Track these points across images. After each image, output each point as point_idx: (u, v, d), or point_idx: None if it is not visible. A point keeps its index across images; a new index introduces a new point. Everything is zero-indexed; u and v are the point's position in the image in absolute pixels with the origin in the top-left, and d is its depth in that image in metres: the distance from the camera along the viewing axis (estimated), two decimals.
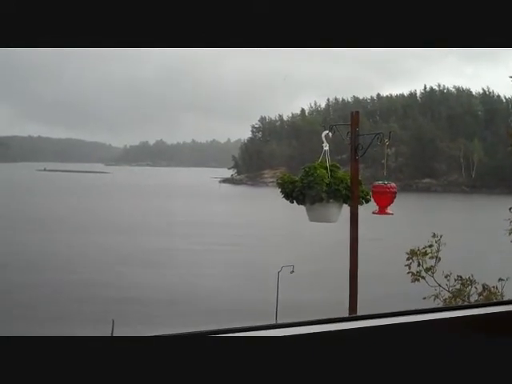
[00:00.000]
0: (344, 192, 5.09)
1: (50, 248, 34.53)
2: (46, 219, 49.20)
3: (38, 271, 27.78)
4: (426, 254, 11.75)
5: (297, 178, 5.24)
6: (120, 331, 14.63)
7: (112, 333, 14.13)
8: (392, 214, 5.04)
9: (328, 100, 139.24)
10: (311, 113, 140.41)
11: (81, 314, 20.27)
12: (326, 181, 5.03)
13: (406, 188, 77.37)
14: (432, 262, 11.92)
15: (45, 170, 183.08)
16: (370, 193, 5.18)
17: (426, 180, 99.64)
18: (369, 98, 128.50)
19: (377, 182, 5.06)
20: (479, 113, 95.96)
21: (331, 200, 5.05)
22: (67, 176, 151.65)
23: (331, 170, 5.15)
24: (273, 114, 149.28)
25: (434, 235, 11.76)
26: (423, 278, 11.79)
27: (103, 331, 14.95)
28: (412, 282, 11.59)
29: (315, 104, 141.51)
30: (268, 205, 40.49)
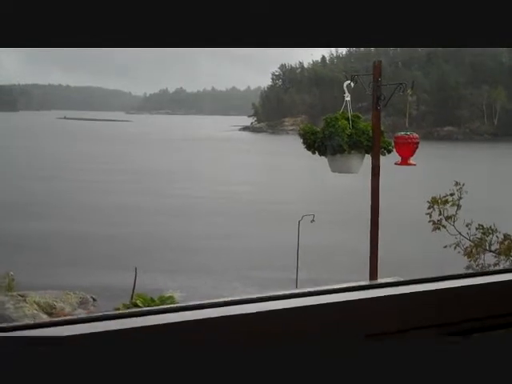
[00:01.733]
0: (366, 143, 5.07)
1: (70, 195, 34.84)
2: (66, 167, 49.55)
3: (66, 219, 28.10)
4: (447, 202, 11.70)
5: (318, 129, 5.22)
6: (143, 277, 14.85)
7: (135, 279, 14.32)
8: (415, 164, 5.02)
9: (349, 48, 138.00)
10: (332, 60, 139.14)
11: (106, 258, 20.57)
12: (348, 132, 5.00)
13: (427, 136, 76.86)
14: (453, 211, 11.87)
15: (65, 118, 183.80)
16: (392, 143, 5.14)
17: (448, 128, 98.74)
18: None
19: (399, 133, 5.03)
20: (503, 59, 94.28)
21: (353, 151, 5.04)
22: (87, 124, 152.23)
23: (353, 121, 5.12)
24: (293, 62, 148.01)
25: (456, 183, 11.68)
26: (444, 226, 11.76)
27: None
28: (433, 230, 11.58)
29: (336, 51, 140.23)
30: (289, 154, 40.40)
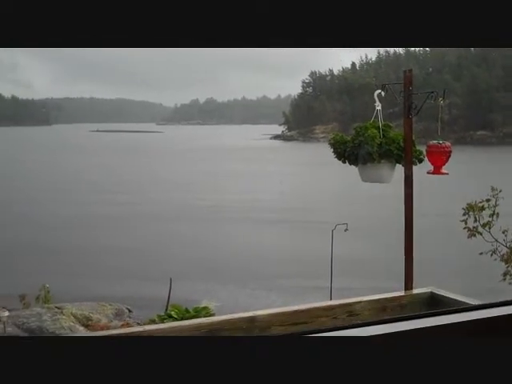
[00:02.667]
0: (396, 152, 5.03)
1: (106, 208, 35.16)
2: (101, 180, 50.06)
3: (97, 231, 28.36)
4: (483, 208, 11.54)
5: (348, 138, 5.20)
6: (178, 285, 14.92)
7: (170, 290, 14.38)
8: (447, 173, 4.97)
9: (379, 53, 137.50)
10: (362, 66, 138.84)
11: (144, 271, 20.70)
12: (378, 141, 4.97)
13: (460, 141, 76.15)
14: (489, 218, 11.71)
15: (98, 130, 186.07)
16: (424, 152, 5.11)
17: (481, 132, 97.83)
18: (421, 49, 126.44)
19: (431, 142, 4.99)
20: None
21: (383, 160, 5.01)
22: (120, 136, 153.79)
23: (383, 130, 5.09)
24: (323, 69, 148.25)
25: (493, 189, 11.51)
26: (480, 233, 11.61)
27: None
28: (468, 237, 11.44)
29: (366, 57, 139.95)
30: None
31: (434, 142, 4.95)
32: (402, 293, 5.13)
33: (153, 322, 10.68)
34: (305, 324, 4.68)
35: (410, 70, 5.20)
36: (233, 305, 15.55)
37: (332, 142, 5.28)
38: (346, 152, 5.14)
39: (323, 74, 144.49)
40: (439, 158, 4.89)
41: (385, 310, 4.95)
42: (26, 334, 10.66)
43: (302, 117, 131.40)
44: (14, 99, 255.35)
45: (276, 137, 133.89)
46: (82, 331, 11.10)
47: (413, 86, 5.12)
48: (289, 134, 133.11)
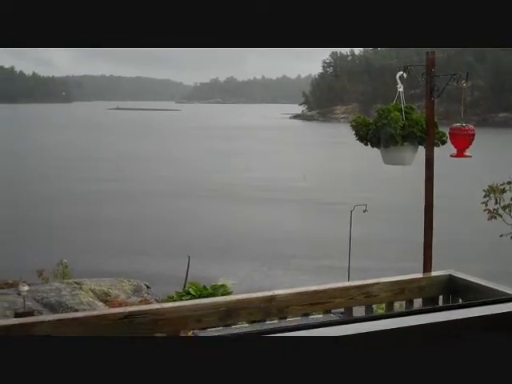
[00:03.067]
0: (419, 134, 5.00)
1: (118, 186, 35.32)
2: (113, 158, 50.24)
3: (117, 207, 28.51)
4: (504, 191, 11.46)
5: (371, 121, 5.16)
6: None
7: (188, 267, 14.44)
8: (470, 156, 4.93)
9: None
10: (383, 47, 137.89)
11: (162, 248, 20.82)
12: (401, 123, 4.94)
13: (482, 123, 75.48)
14: (510, 200, 11.62)
15: (117, 108, 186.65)
16: (447, 135, 5.07)
17: (503, 114, 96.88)
18: None
19: (455, 124, 4.94)
20: None
21: (406, 142, 4.98)
22: (138, 114, 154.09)
23: (406, 112, 5.05)
24: (344, 49, 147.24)
25: None
26: (500, 215, 11.54)
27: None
28: (488, 219, 11.37)
29: None
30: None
31: (457, 124, 4.90)
32: (420, 275, 5.12)
33: (171, 298, 10.75)
34: (322, 304, 4.69)
35: (433, 52, 5.15)
36: (249, 283, 15.62)
37: (354, 124, 5.25)
38: (369, 135, 5.11)
39: (344, 54, 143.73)
40: (462, 141, 4.85)
41: (403, 292, 4.94)
42: (45, 309, 10.77)
43: (323, 97, 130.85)
44: (35, 77, 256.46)
45: (296, 116, 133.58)
46: (100, 306, 11.20)
47: (435, 68, 5.08)
48: (309, 113, 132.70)
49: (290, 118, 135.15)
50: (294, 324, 1.85)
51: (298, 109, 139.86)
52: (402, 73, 5.12)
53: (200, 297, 10.13)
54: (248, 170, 41.76)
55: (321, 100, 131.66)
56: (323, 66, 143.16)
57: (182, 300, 9.89)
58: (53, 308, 10.86)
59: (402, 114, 4.98)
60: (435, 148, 5.13)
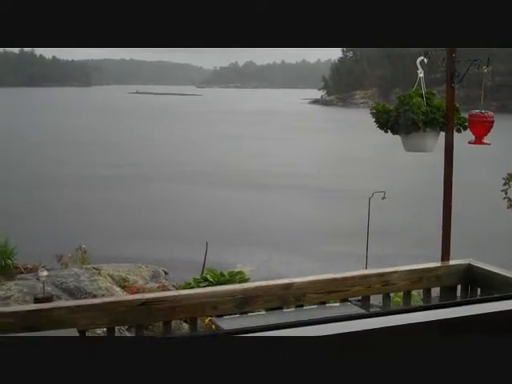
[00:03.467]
0: (441, 120, 4.94)
1: (137, 168, 35.43)
2: (136, 142, 50.38)
3: (134, 192, 28.62)
4: None
5: (391, 108, 5.10)
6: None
7: (206, 253, 14.46)
8: (489, 144, 4.87)
9: None
10: None
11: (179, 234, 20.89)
12: (423, 109, 4.88)
13: (502, 109, 74.75)
14: None
15: (137, 92, 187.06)
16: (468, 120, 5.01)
17: None
18: None
19: (473, 111, 4.87)
20: None
21: (427, 129, 4.92)
22: (158, 98, 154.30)
23: (427, 98, 4.99)
24: None
25: None
26: None
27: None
28: (508, 207, 11.27)
29: None
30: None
31: (476, 111, 4.84)
32: (438, 263, 5.08)
33: (188, 284, 10.77)
34: (340, 292, 4.68)
35: None
36: (265, 270, 15.63)
37: (374, 111, 5.20)
38: (390, 121, 5.05)
39: None
40: (481, 128, 4.78)
41: (420, 281, 4.91)
42: (64, 294, 10.85)
43: (342, 81, 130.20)
44: (55, 60, 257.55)
45: (315, 101, 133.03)
46: (118, 292, 11.26)
47: (456, 53, 5.01)
48: (328, 98, 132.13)
49: (309, 103, 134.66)
50: (327, 316, 1.83)
51: (318, 94, 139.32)
52: (422, 58, 5.05)
53: (217, 283, 10.15)
54: (265, 156, 41.68)
55: (340, 85, 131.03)
56: (343, 51, 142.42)
57: (200, 286, 9.93)
58: (71, 293, 10.93)
59: (423, 100, 4.93)
60: (458, 134, 5.09)
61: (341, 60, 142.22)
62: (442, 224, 5.13)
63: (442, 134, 5.04)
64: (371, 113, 5.20)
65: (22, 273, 12.23)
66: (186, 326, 8.05)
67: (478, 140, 4.85)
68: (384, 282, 4.81)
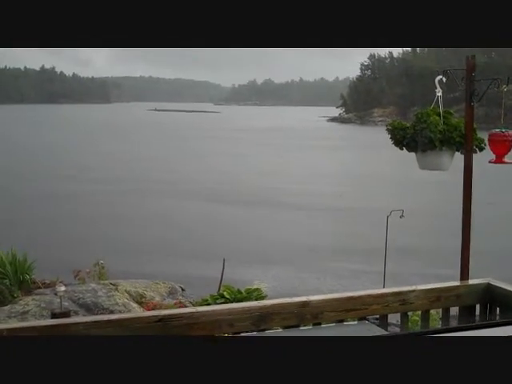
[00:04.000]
0: (458, 139, 4.92)
1: (157, 186, 35.55)
2: (152, 158, 50.60)
3: (152, 209, 28.71)
4: None
5: (407, 125, 5.09)
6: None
7: (223, 270, 14.46)
8: (510, 162, 4.84)
9: None
10: (422, 50, 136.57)
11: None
12: (440, 128, 4.86)
13: None
14: None
15: (155, 109, 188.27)
16: (486, 141, 4.98)
17: None
18: None
19: (494, 130, 4.85)
20: None
21: (444, 147, 4.90)
22: (177, 115, 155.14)
23: (444, 117, 4.98)
24: (382, 51, 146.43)
25: None
26: None
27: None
28: None
29: None
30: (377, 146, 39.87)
31: (497, 130, 4.82)
32: (457, 283, 5.04)
33: (205, 301, 10.76)
34: (357, 311, 4.65)
35: (473, 56, 5.08)
36: (282, 287, 15.59)
37: (390, 128, 5.19)
38: (406, 139, 5.04)
39: (382, 56, 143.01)
40: (502, 147, 4.76)
41: (439, 300, 4.87)
42: (81, 309, 10.88)
43: (360, 99, 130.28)
44: (75, 77, 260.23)
45: (333, 119, 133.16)
46: (135, 308, 11.28)
47: (475, 72, 5.00)
48: (346, 116, 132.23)
49: (327, 120, 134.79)
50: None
51: (336, 111, 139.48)
52: (441, 77, 5.04)
53: (234, 300, 10.13)
54: (281, 174, 41.70)
55: (358, 103, 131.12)
56: (361, 69, 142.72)
57: (217, 303, 9.91)
58: (89, 309, 10.96)
59: (440, 119, 4.92)
60: (476, 154, 5.06)
61: (359, 78, 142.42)
62: (460, 243, 5.09)
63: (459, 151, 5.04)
64: (387, 129, 5.19)
65: (40, 288, 12.29)
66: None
67: (499, 159, 4.83)
68: (402, 301, 4.77)
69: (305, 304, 4.48)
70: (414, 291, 4.81)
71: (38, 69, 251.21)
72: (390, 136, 5.20)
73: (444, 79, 5.06)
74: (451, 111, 5.08)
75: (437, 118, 4.93)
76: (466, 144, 4.90)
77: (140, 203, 30.00)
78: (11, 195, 31.10)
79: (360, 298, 4.70)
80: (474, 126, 5.01)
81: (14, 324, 7.45)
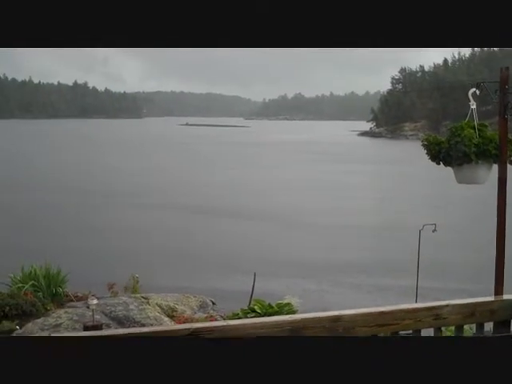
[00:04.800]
0: (493, 152, 4.87)
1: (188, 198, 35.69)
2: (187, 174, 50.87)
3: (184, 222, 28.82)
4: None
5: (443, 139, 5.05)
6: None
7: (253, 284, 14.43)
8: None
9: (473, 49, 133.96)
10: (454, 63, 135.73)
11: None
12: (475, 141, 4.82)
13: None
14: None
15: (187, 124, 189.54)
16: None
17: None
18: None
19: None
20: None
21: (480, 161, 4.85)
22: (208, 130, 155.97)
23: (479, 130, 4.93)
24: (413, 65, 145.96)
25: None
26: None
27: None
28: None
29: (459, 54, 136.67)
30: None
31: None
32: (491, 298, 4.97)
33: (236, 315, 10.75)
34: (390, 326, 4.60)
35: (507, 68, 5.03)
36: (314, 302, 15.52)
37: (426, 143, 5.15)
38: (441, 153, 5.00)
39: (413, 70, 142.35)
40: None
41: (473, 315, 4.80)
42: (113, 322, 10.93)
43: (391, 113, 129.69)
44: (107, 92, 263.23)
45: (364, 133, 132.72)
46: (166, 321, 11.30)
47: (509, 85, 4.95)
48: (377, 130, 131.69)
49: (358, 134, 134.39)
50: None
51: (366, 126, 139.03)
52: (474, 90, 5.00)
53: (265, 315, 10.09)
54: (312, 189, 41.62)
55: (389, 117, 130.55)
56: (392, 83, 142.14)
57: (247, 317, 9.88)
58: (120, 322, 11.01)
59: (475, 132, 4.87)
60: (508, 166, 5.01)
61: (390, 92, 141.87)
62: (495, 257, 5.03)
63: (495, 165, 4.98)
64: (422, 144, 5.15)
65: (73, 301, 12.38)
66: None
67: None
68: (435, 316, 4.71)
69: (336, 318, 4.44)
70: (447, 306, 4.75)
71: (71, 84, 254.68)
72: (425, 151, 5.16)
73: (477, 92, 5.02)
74: (486, 124, 5.04)
75: (471, 131, 4.89)
76: (500, 156, 4.85)
77: (175, 218, 30.17)
78: (47, 207, 31.53)
79: (392, 312, 4.65)
80: (510, 137, 4.97)
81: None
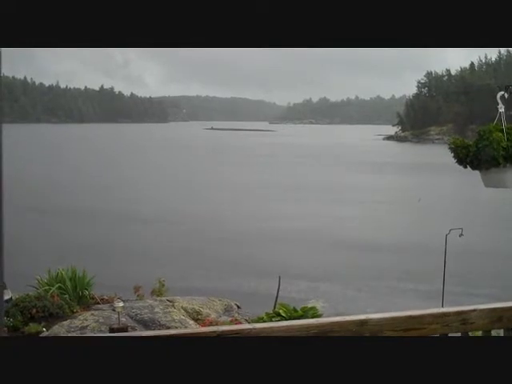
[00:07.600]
0: None
1: (215, 203, 35.77)
2: (214, 178, 51.02)
3: (210, 226, 28.88)
4: None
5: (470, 142, 5.01)
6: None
7: (278, 288, 14.42)
8: None
9: (499, 52, 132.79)
10: (481, 66, 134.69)
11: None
12: (503, 144, 4.77)
13: None
14: None
15: (212, 128, 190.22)
16: None
17: None
18: None
19: None
20: None
21: (508, 164, 4.80)
22: (233, 134, 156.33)
23: (507, 133, 4.88)
24: (439, 69, 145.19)
25: None
26: None
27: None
28: None
29: (485, 57, 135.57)
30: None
31: None
32: None
33: (261, 319, 10.75)
34: (417, 330, 4.58)
35: None
36: (339, 306, 15.48)
37: (453, 146, 5.10)
38: (469, 157, 4.95)
39: (440, 74, 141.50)
40: None
41: (501, 320, 4.76)
42: (138, 325, 10.99)
43: (417, 118, 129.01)
44: (133, 97, 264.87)
45: (389, 137, 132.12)
46: (192, 325, 11.33)
47: None
48: (402, 134, 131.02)
49: (383, 139, 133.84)
50: None
51: (392, 130, 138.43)
52: (503, 93, 4.95)
53: (290, 318, 10.09)
54: (337, 192, 41.52)
55: (415, 121, 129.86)
56: (418, 87, 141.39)
57: (273, 321, 9.88)
58: (146, 324, 11.06)
59: (503, 135, 4.82)
60: None
61: (415, 96, 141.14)
62: None
63: None
64: (449, 148, 5.11)
65: (99, 303, 12.47)
66: None
67: None
68: (462, 321, 4.67)
69: (363, 322, 4.42)
70: (475, 311, 4.71)
71: (97, 89, 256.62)
72: (452, 155, 5.12)
73: (506, 95, 4.97)
74: None
75: (500, 134, 4.84)
76: None
77: (200, 221, 30.25)
78: (73, 212, 31.78)
79: (420, 317, 4.62)
80: None
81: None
